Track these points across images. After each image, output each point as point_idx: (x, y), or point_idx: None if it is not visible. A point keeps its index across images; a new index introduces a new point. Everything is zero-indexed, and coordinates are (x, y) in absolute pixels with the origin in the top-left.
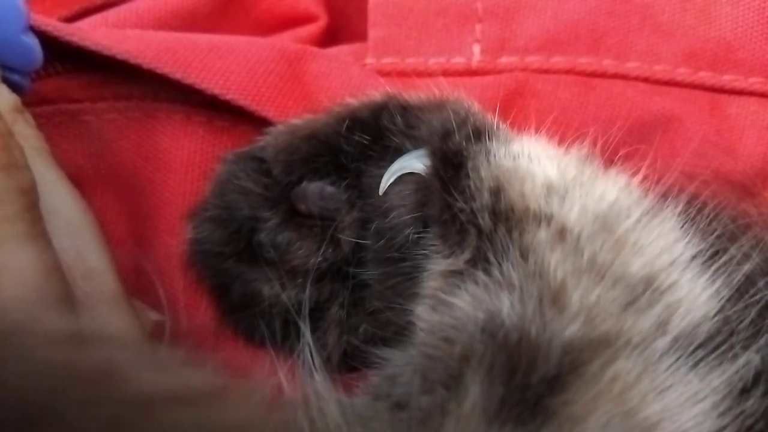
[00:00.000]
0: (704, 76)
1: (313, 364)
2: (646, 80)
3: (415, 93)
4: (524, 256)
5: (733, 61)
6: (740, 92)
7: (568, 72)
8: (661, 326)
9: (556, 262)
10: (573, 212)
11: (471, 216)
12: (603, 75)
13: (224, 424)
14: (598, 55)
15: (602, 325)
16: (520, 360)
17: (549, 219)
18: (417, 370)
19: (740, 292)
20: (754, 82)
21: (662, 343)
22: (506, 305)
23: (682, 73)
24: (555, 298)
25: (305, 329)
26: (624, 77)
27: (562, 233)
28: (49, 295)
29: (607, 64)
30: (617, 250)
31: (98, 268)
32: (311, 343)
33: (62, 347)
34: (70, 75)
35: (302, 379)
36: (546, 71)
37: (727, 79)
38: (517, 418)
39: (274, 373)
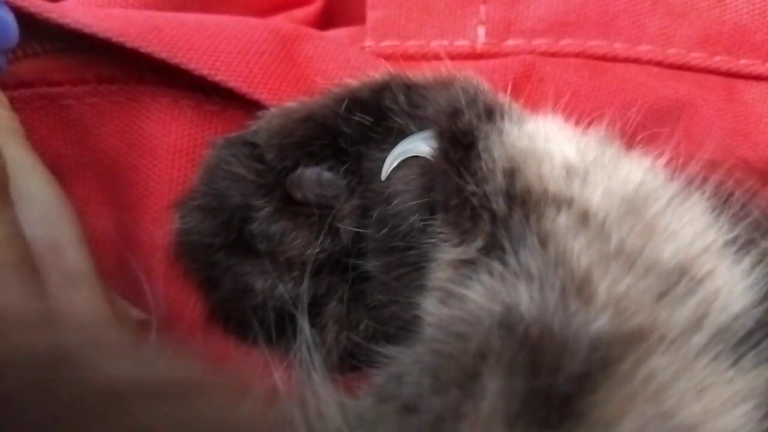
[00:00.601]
0: (720, 61)
1: (312, 362)
2: (659, 64)
3: (420, 72)
4: (543, 243)
5: (749, 45)
6: (757, 77)
7: (578, 55)
8: (699, 319)
9: (579, 249)
10: (596, 195)
11: (484, 200)
12: (614, 58)
13: (197, 420)
14: (609, 38)
15: (634, 318)
16: (544, 357)
17: (570, 202)
18: (427, 369)
19: None
20: None
21: (700, 337)
22: (525, 297)
23: (696, 57)
24: (579, 289)
25: (304, 324)
26: (636, 61)
27: (584, 217)
28: (13, 285)
29: (619, 47)
30: (647, 235)
31: (74, 261)
32: (310, 341)
33: (24, 329)
34: (50, 56)
35: (299, 380)
36: (555, 54)
37: (743, 63)
38: (542, 422)
39: (268, 373)
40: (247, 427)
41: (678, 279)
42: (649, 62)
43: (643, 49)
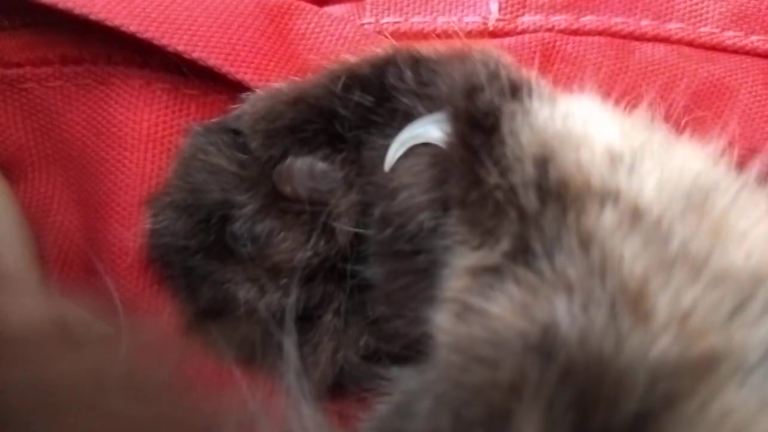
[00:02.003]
0: (757, 41)
1: (300, 389)
2: (690, 44)
3: (429, 45)
4: (585, 246)
5: None
6: None
7: (601, 33)
8: None
9: (631, 254)
10: (648, 187)
11: (510, 194)
12: (642, 37)
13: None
14: (636, 15)
15: (703, 341)
16: (592, 393)
17: (616, 196)
18: (443, 403)
19: None
20: None
21: None
22: (563, 314)
23: (731, 36)
24: (634, 303)
25: (290, 346)
26: (665, 40)
27: (635, 214)
28: None
29: (646, 25)
30: (714, 236)
31: (14, 265)
32: (297, 362)
33: None
34: (8, 34)
35: (285, 410)
36: (576, 32)
37: None
38: None
39: (250, 398)
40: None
41: (754, 290)
42: (679, 41)
43: (673, 28)
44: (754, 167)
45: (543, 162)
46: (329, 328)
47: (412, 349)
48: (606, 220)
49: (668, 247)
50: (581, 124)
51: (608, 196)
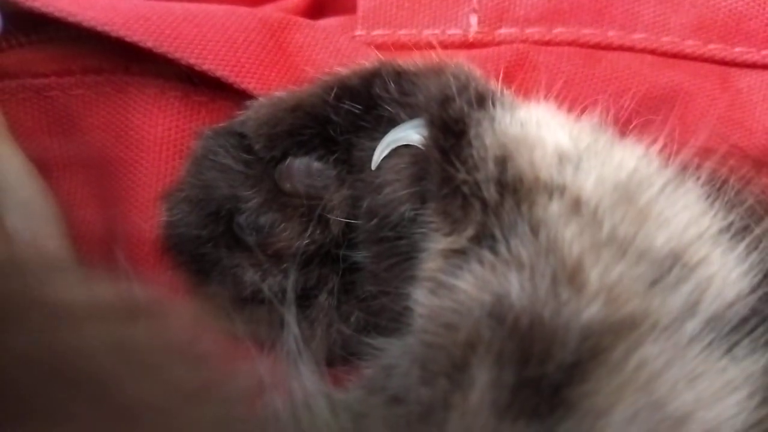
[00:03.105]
0: (714, 49)
1: (299, 353)
2: (653, 52)
3: (410, 59)
4: (535, 231)
5: (744, 33)
6: (752, 65)
7: (571, 43)
8: (692, 306)
9: (571, 237)
10: (589, 182)
11: (475, 188)
12: (608, 47)
13: (144, 344)
14: (603, 26)
15: (626, 306)
16: (533, 347)
17: (562, 190)
18: (416, 360)
19: None
20: (767, 55)
21: (692, 325)
22: (515, 286)
23: (691, 45)
24: (571, 277)
25: (290, 317)
26: (630, 49)
27: (576, 205)
28: None
29: (613, 35)
30: (640, 222)
31: (55, 254)
32: (297, 334)
33: None
34: (35, 47)
35: (287, 373)
36: (548, 43)
37: (738, 51)
38: (532, 412)
39: (257, 366)
40: (189, 350)
41: (671, 266)
42: (643, 50)
43: (638, 37)
44: (691, 162)
45: (503, 161)
46: (324, 306)
47: (397, 322)
48: (553, 210)
49: (601, 231)
50: (536, 129)
51: (555, 190)
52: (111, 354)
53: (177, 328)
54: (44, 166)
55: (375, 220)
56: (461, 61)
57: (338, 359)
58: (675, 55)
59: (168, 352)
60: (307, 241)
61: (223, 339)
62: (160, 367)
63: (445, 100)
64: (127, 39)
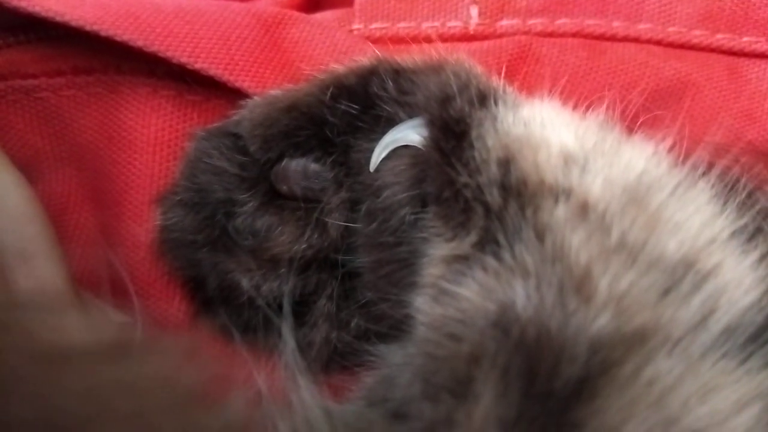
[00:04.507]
0: (722, 39)
1: (297, 366)
2: (659, 43)
3: (409, 56)
4: (540, 237)
5: (753, 21)
6: (761, 55)
7: (575, 35)
8: (705, 317)
9: (578, 243)
10: (596, 185)
11: (477, 192)
12: (613, 38)
13: (144, 380)
14: (607, 17)
15: (636, 318)
16: (540, 361)
17: (568, 193)
18: (418, 373)
19: None
20: None
21: (706, 337)
22: (521, 295)
23: (698, 35)
24: (579, 286)
25: (286, 328)
26: (635, 40)
27: (584, 209)
28: None
29: (617, 26)
30: (650, 227)
31: (44, 267)
32: (294, 343)
33: None
34: (23, 47)
35: (285, 384)
36: (551, 34)
37: (746, 41)
38: (539, 431)
39: (253, 375)
40: (193, 386)
41: (683, 274)
42: (648, 41)
43: (643, 28)
44: (702, 162)
45: (505, 163)
46: (323, 312)
47: (397, 329)
48: (559, 215)
49: (610, 237)
50: (540, 128)
51: (561, 194)
52: (97, 398)
53: (169, 365)
54: (36, 169)
55: (374, 224)
56: (462, 57)
57: (338, 366)
58: (682, 46)
59: (158, 393)
60: (304, 246)
61: (218, 362)
62: (150, 411)
63: (446, 99)
64: (117, 38)
